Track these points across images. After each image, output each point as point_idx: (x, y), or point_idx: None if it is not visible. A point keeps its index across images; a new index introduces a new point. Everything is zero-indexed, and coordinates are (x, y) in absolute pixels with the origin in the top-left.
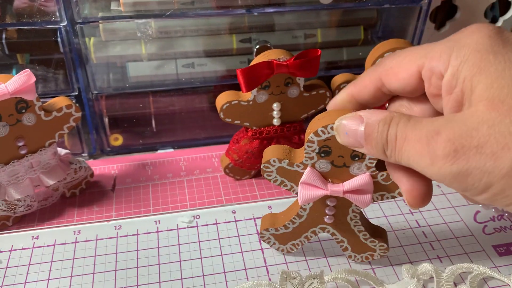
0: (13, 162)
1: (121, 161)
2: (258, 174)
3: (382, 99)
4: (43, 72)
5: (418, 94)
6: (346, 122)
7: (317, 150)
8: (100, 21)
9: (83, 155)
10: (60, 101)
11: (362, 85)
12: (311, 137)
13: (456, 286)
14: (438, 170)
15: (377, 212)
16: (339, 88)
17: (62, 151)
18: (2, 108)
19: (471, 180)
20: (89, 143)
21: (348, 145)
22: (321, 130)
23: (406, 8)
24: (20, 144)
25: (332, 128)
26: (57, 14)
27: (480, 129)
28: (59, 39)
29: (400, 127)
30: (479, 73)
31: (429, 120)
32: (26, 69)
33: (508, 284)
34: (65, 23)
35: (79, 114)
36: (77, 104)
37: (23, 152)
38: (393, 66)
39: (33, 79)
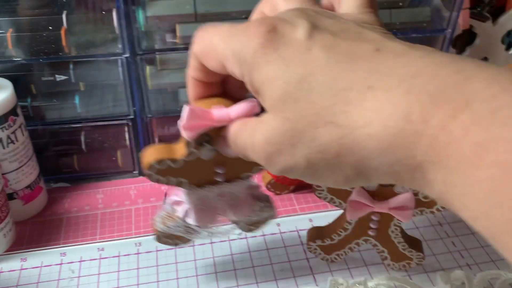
0: (206, 187)
1: None
2: (296, 189)
3: (217, 75)
4: (101, 96)
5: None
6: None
7: None
8: (157, 53)
9: (134, 172)
10: None
11: (193, 68)
12: None
13: None
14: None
15: (409, 224)
16: None
17: (253, 184)
18: (214, 131)
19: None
20: (140, 161)
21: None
22: None
23: (431, 37)
24: (220, 171)
25: None
26: (120, 46)
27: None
28: (120, 69)
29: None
30: (263, 84)
31: (252, 124)
32: (253, 99)
33: None
34: (127, 55)
35: None
36: None
37: (219, 179)
38: (206, 51)
39: (257, 109)
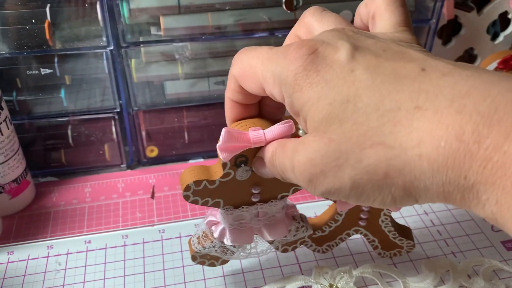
0: (242, 207)
1: (157, 171)
2: None
3: (255, 97)
4: (88, 90)
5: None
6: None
7: None
8: (141, 45)
9: (121, 166)
10: None
11: (231, 90)
12: None
13: (470, 277)
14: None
15: (395, 214)
16: None
17: (289, 204)
18: (251, 152)
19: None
20: (127, 155)
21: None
22: None
23: (416, 27)
24: (255, 191)
25: None
26: (104, 39)
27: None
28: (104, 61)
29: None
30: (305, 105)
31: (292, 145)
32: (289, 120)
33: None
34: (112, 48)
35: None
36: None
37: (255, 200)
38: (245, 74)
39: (293, 130)
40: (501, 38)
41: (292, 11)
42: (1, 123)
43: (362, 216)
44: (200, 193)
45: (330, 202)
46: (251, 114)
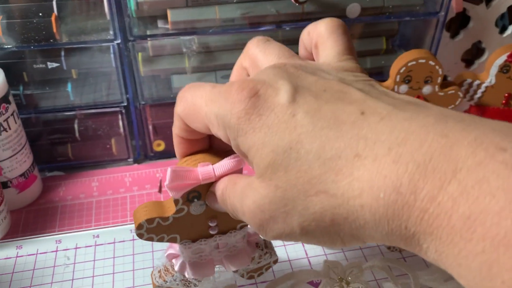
0: (200, 241)
1: (164, 165)
2: None
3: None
4: (94, 84)
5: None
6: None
7: None
8: (149, 39)
9: (128, 160)
10: None
11: (177, 127)
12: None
13: None
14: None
15: None
16: None
17: (250, 231)
18: (203, 187)
19: None
20: (134, 149)
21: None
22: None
23: (424, 20)
24: (212, 224)
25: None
26: (111, 32)
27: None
28: (111, 55)
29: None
30: (250, 150)
31: (241, 185)
32: (236, 154)
33: None
34: (119, 41)
35: None
36: None
37: (212, 232)
38: (190, 113)
39: (242, 164)
40: (509, 31)
41: (300, 4)
42: (9, 117)
43: None
44: (154, 231)
45: None
46: (200, 148)
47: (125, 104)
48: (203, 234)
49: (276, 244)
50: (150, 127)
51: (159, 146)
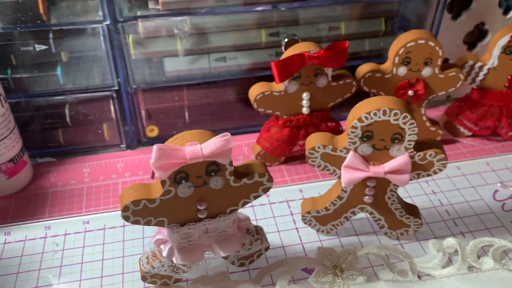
0: (189, 224)
1: None
2: (287, 160)
3: None
4: (85, 67)
5: None
6: None
7: (360, 135)
8: (139, 20)
9: (121, 146)
10: (254, 167)
11: None
12: (355, 123)
13: (479, 258)
14: None
15: (403, 193)
16: (365, 77)
17: (241, 216)
18: (191, 168)
19: None
20: (127, 134)
21: None
22: (365, 116)
23: (424, 1)
24: (201, 207)
25: (375, 113)
26: (100, 13)
27: None
28: (101, 37)
29: None
30: None
31: None
32: (226, 133)
33: None
34: (108, 22)
35: (270, 184)
36: (270, 175)
37: (201, 216)
38: None
39: (232, 144)
40: None
41: None
42: None
43: (367, 192)
44: (140, 213)
45: (335, 181)
46: None
47: (116, 88)
48: (191, 218)
49: (270, 230)
50: (143, 112)
51: (152, 131)
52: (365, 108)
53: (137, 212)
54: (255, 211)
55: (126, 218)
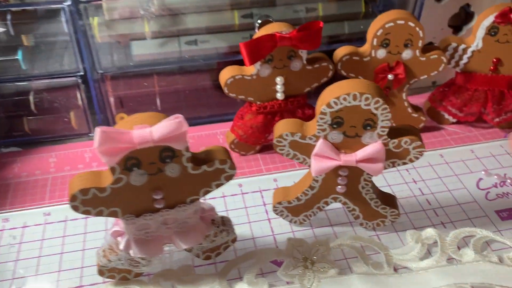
0: (145, 215)
1: None
2: (263, 149)
3: None
4: (48, 52)
5: None
6: None
7: (329, 122)
8: (103, 0)
9: (90, 135)
10: (215, 153)
11: None
12: (324, 109)
13: (460, 249)
14: None
15: (381, 182)
16: (342, 60)
17: (205, 206)
18: (143, 154)
19: None
20: (95, 123)
21: None
22: (334, 102)
23: None
24: (157, 197)
25: (344, 98)
26: None
27: None
28: (63, 19)
29: None
30: None
31: None
32: (178, 115)
33: (511, 246)
34: (69, 3)
35: (233, 172)
36: (232, 162)
37: (158, 206)
38: None
39: (185, 127)
40: None
41: None
42: None
43: (339, 181)
44: (90, 203)
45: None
46: None
47: (82, 73)
48: (148, 208)
49: (241, 221)
50: (112, 99)
51: (122, 119)
52: (335, 93)
53: (87, 201)
54: (226, 202)
55: (75, 208)
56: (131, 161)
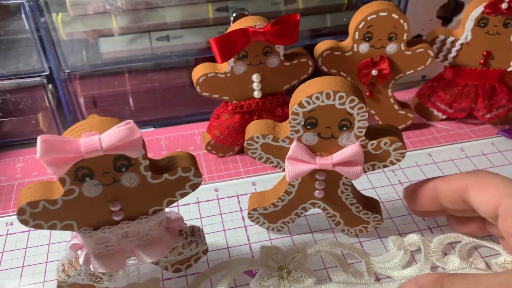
0: (103, 228)
1: None
2: (242, 150)
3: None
4: (11, 51)
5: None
6: (405, 286)
7: (302, 123)
8: None
9: None
10: (178, 160)
11: (448, 187)
12: (296, 109)
13: (445, 255)
14: None
15: (365, 184)
16: (322, 55)
17: (172, 216)
18: (95, 163)
19: None
20: (65, 124)
21: None
22: (306, 101)
23: None
24: (115, 208)
25: (317, 97)
26: None
27: None
28: (23, 16)
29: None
30: None
31: (474, 279)
32: (129, 121)
33: (499, 251)
34: None
35: (198, 180)
36: (197, 169)
37: (117, 218)
38: (475, 194)
39: (138, 134)
40: None
41: None
42: None
43: (317, 186)
44: (41, 216)
45: None
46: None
47: (47, 73)
48: (106, 221)
49: (215, 229)
50: (82, 100)
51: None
52: (307, 91)
53: (37, 215)
54: (200, 208)
55: (24, 222)
56: (82, 171)
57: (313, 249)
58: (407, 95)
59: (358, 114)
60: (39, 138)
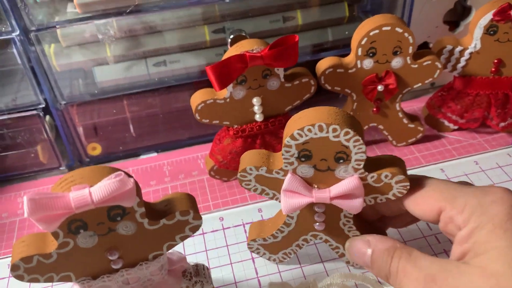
0: (103, 277)
1: None
2: None
3: (400, 212)
4: (5, 86)
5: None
6: (356, 243)
7: (296, 155)
8: (56, 26)
9: (61, 168)
10: (176, 203)
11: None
12: (288, 141)
13: None
14: None
15: None
16: (325, 74)
17: (174, 258)
18: (87, 215)
19: None
20: (66, 155)
21: (358, 263)
22: (298, 133)
23: None
24: (113, 257)
25: (309, 129)
26: (8, 24)
27: None
28: (14, 50)
29: (402, 262)
30: (487, 244)
31: (429, 260)
32: (120, 172)
33: None
34: (17, 33)
35: (198, 223)
36: (196, 211)
37: (116, 266)
38: (418, 197)
39: (129, 185)
40: None
41: None
42: None
43: (317, 218)
44: (36, 270)
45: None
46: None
47: (43, 105)
48: (105, 269)
49: (222, 262)
50: (80, 129)
51: (95, 149)
52: (299, 123)
53: (32, 269)
54: (206, 239)
55: (19, 277)
56: (75, 223)
57: (324, 283)
58: (417, 105)
59: (354, 146)
60: (25, 198)
